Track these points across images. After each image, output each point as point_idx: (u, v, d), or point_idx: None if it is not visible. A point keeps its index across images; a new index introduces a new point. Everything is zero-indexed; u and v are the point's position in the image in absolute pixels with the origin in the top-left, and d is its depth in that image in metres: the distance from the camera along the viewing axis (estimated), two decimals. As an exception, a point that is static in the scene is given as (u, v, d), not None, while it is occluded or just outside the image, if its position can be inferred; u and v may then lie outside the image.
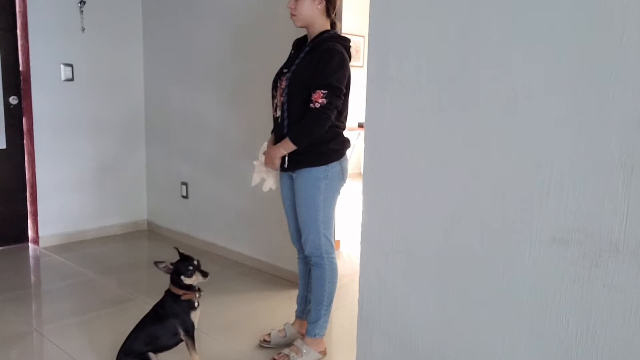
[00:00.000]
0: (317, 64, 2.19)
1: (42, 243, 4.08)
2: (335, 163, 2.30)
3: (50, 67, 3.98)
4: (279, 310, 2.91)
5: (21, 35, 3.89)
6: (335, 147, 2.30)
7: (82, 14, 4.04)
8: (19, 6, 3.85)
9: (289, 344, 2.47)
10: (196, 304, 2.18)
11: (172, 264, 2.20)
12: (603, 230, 0.98)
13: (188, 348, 2.16)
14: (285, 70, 2.33)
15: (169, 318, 2.15)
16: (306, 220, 2.31)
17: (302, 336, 2.46)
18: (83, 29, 4.07)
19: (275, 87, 2.38)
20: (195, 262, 2.19)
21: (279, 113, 2.32)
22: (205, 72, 3.94)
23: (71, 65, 4.06)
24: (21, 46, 3.91)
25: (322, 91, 2.15)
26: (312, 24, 2.28)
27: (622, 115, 0.94)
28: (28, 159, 4.04)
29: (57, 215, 4.14)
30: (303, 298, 2.55)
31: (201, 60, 3.96)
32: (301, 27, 2.30)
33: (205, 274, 2.18)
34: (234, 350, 2.49)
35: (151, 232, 4.60)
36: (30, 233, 4.14)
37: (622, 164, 0.95)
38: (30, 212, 4.10)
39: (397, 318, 1.34)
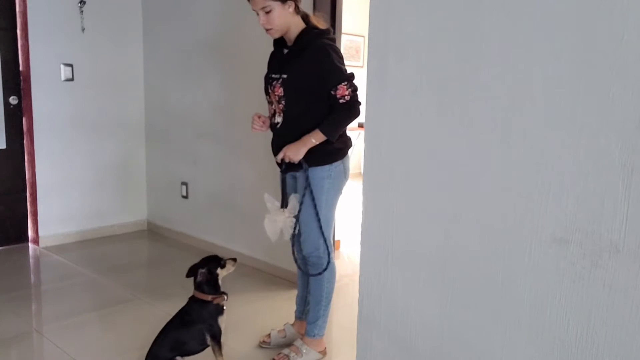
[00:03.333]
0: (322, 65, 2.18)
1: (42, 243, 4.08)
2: (339, 162, 2.30)
3: (50, 67, 3.98)
4: (279, 310, 2.91)
5: (21, 35, 3.89)
6: (339, 147, 2.30)
7: (82, 14, 4.04)
8: (19, 6, 3.85)
9: (288, 344, 2.47)
10: (224, 307, 2.17)
11: (202, 269, 2.16)
12: (603, 230, 0.98)
13: (214, 353, 2.14)
14: (275, 76, 2.29)
15: (196, 324, 2.12)
16: (307, 219, 2.30)
17: (302, 336, 2.46)
18: (83, 29, 4.07)
19: (267, 92, 2.35)
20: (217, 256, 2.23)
21: (278, 119, 2.30)
22: (205, 72, 3.94)
23: (71, 65, 4.06)
24: (21, 46, 3.91)
25: (343, 84, 2.18)
26: (289, 29, 2.25)
27: (622, 115, 0.94)
28: (28, 159, 4.04)
29: (57, 215, 4.14)
30: (302, 299, 2.55)
31: (201, 60, 3.96)
32: (280, 36, 2.29)
33: (234, 259, 2.23)
34: (234, 350, 2.49)
35: (151, 232, 4.60)
36: (30, 233, 4.14)
37: (622, 164, 0.95)
38: (30, 212, 4.10)
39: (397, 318, 1.33)
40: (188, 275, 2.16)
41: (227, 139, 3.74)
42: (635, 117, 0.93)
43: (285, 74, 2.24)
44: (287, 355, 2.38)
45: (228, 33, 3.72)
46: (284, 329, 2.57)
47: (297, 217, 2.26)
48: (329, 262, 2.35)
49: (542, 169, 1.05)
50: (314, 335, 2.41)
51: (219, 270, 2.17)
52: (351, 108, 2.21)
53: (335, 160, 2.29)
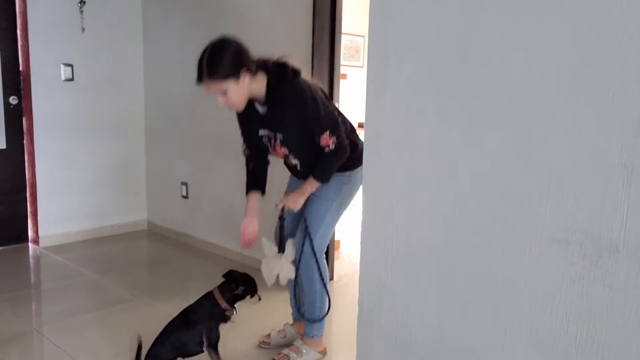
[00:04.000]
0: (305, 117, 2.11)
1: (42, 243, 4.08)
2: (359, 168, 2.29)
3: (50, 67, 3.98)
4: (279, 310, 2.91)
5: (21, 35, 3.89)
6: (357, 155, 2.25)
7: (82, 14, 4.04)
8: (19, 6, 3.85)
9: (288, 344, 2.47)
10: (231, 320, 2.16)
11: (242, 286, 2.17)
12: (603, 230, 0.98)
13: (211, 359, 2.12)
14: (265, 133, 2.23)
15: (198, 324, 2.10)
16: (311, 219, 2.29)
17: (302, 336, 2.46)
18: (83, 29, 4.07)
19: (258, 145, 2.30)
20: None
21: (294, 162, 2.30)
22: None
23: (71, 65, 4.06)
24: (21, 46, 3.91)
25: (325, 134, 2.12)
26: (252, 93, 2.13)
27: (622, 115, 0.94)
28: (28, 159, 4.04)
29: (57, 215, 4.14)
30: (295, 300, 2.56)
31: (201, 60, 3.96)
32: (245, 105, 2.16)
33: (260, 297, 2.26)
34: (234, 350, 2.49)
35: (151, 232, 4.60)
36: (30, 233, 4.14)
37: (622, 164, 0.95)
38: (30, 212, 4.10)
39: (397, 318, 1.33)
40: (225, 275, 2.17)
41: (228, 139, 3.74)
42: (635, 117, 0.93)
43: (279, 132, 2.19)
44: (287, 355, 2.38)
45: (228, 32, 3.71)
46: (283, 329, 2.57)
47: (297, 266, 2.25)
48: (320, 264, 2.33)
49: (542, 169, 1.05)
50: (312, 336, 2.41)
51: (248, 297, 2.17)
52: (337, 153, 2.18)
53: (357, 166, 2.29)
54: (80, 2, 4.01)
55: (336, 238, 3.72)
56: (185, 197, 4.26)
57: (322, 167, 2.21)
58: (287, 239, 2.32)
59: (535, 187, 1.06)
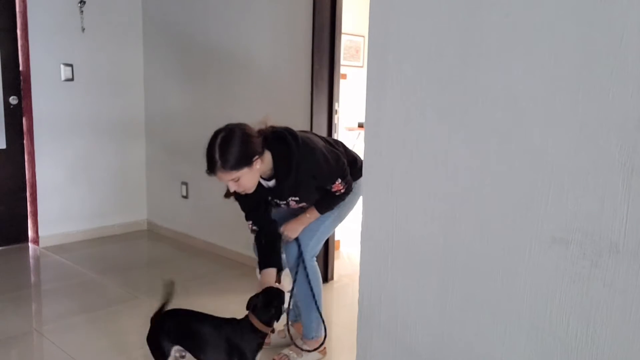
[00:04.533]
0: (318, 173, 2.14)
1: (42, 243, 4.08)
2: (360, 180, 2.35)
3: (50, 67, 3.98)
4: (279, 310, 2.91)
5: (21, 35, 3.89)
6: (359, 166, 2.34)
7: (82, 14, 4.04)
8: (19, 6, 3.85)
9: (288, 344, 2.47)
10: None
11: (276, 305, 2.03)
12: (603, 230, 0.98)
13: None
14: (281, 202, 2.27)
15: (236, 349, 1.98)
16: (306, 231, 2.32)
17: (302, 336, 2.46)
18: (83, 29, 4.07)
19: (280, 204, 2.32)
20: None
21: (300, 205, 2.32)
22: (205, 72, 3.94)
23: (71, 65, 4.06)
24: (21, 46, 3.91)
25: (337, 182, 2.20)
26: (267, 168, 2.12)
27: (622, 115, 0.94)
28: (28, 159, 4.04)
29: (57, 215, 4.14)
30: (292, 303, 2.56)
31: (201, 60, 3.96)
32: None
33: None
34: (234, 350, 2.48)
35: (151, 232, 4.60)
36: (30, 233, 4.14)
37: (622, 164, 0.95)
38: (30, 212, 4.10)
39: (397, 318, 1.34)
40: (255, 302, 2.03)
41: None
42: (635, 117, 0.93)
43: (295, 196, 2.23)
44: (287, 356, 2.38)
45: (228, 33, 3.72)
46: (284, 329, 2.57)
47: (291, 292, 2.25)
48: (311, 266, 2.34)
49: (542, 169, 1.05)
50: (311, 338, 2.41)
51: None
52: (345, 192, 2.28)
53: (357, 178, 2.33)
54: (80, 2, 4.01)
55: (336, 238, 3.73)
56: (185, 197, 4.26)
57: (328, 202, 2.29)
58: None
59: (535, 187, 1.06)
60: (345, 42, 5.83)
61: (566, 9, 1.00)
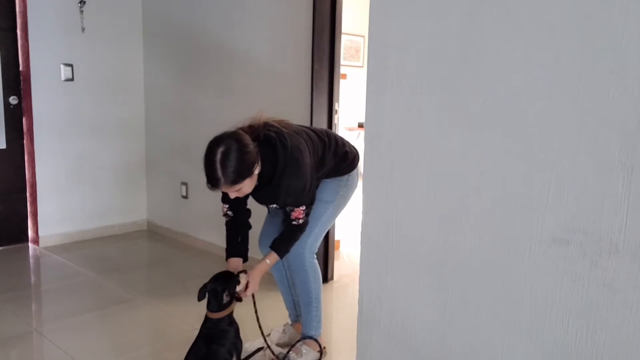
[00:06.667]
0: (290, 191, 2.10)
1: (42, 243, 4.08)
2: (355, 170, 2.40)
3: (50, 67, 3.98)
4: (279, 310, 2.91)
5: (21, 35, 3.89)
6: (351, 158, 2.39)
7: (82, 14, 4.04)
8: (19, 6, 3.85)
9: (288, 344, 2.47)
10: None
11: (226, 288, 2.05)
12: (603, 230, 0.98)
13: None
14: (268, 205, 2.30)
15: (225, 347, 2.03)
16: (309, 220, 2.30)
17: (301, 337, 2.46)
18: (83, 29, 4.07)
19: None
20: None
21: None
22: (205, 72, 3.94)
23: (71, 65, 4.06)
24: (21, 46, 3.91)
25: (301, 208, 2.15)
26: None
27: (622, 115, 0.94)
28: (28, 159, 4.04)
29: (57, 215, 4.14)
30: (291, 303, 2.56)
31: (201, 60, 3.96)
32: None
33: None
34: (234, 350, 2.48)
35: (151, 232, 4.60)
36: (30, 233, 4.14)
37: (622, 164, 0.95)
38: (30, 212, 4.10)
39: (397, 318, 1.34)
40: (203, 293, 2.06)
41: (227, 139, 3.74)
42: (635, 117, 0.93)
43: (273, 204, 2.22)
44: (287, 355, 2.38)
45: (228, 33, 3.72)
46: (283, 329, 2.57)
47: (253, 296, 2.23)
48: (311, 264, 2.35)
49: (542, 169, 1.05)
50: (311, 337, 2.41)
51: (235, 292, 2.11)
52: (301, 230, 2.21)
53: (351, 170, 2.36)
54: (80, 2, 4.01)
55: (336, 238, 3.72)
56: (185, 197, 4.26)
57: (285, 242, 2.22)
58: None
59: (535, 187, 1.06)
60: (345, 42, 5.83)
61: (566, 8, 1.00)
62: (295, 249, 2.29)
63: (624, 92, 0.94)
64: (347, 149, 2.38)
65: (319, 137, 2.30)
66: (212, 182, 1.98)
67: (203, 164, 1.98)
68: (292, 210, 2.15)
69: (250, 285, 2.18)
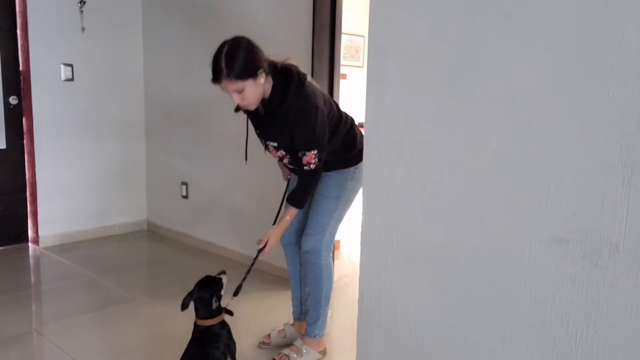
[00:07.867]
0: (298, 130, 2.08)
1: (42, 243, 4.08)
2: (361, 164, 2.33)
3: (50, 67, 3.98)
4: (279, 310, 2.91)
5: (21, 35, 3.89)
6: (359, 148, 2.30)
7: (82, 14, 4.04)
8: (19, 6, 3.85)
9: (288, 344, 2.47)
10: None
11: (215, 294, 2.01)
12: (603, 230, 0.98)
13: None
14: (262, 140, 2.26)
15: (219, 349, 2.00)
16: (318, 217, 2.30)
17: (302, 336, 2.46)
18: (83, 29, 4.07)
19: (266, 147, 2.30)
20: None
21: (293, 166, 2.29)
22: (205, 71, 3.93)
23: (71, 65, 4.06)
24: (21, 46, 3.91)
25: (312, 152, 2.11)
26: (265, 94, 2.11)
27: (622, 115, 0.94)
28: (28, 159, 4.04)
29: (57, 215, 4.14)
30: (298, 299, 2.55)
31: (201, 60, 3.96)
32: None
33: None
34: (234, 350, 2.48)
35: (151, 232, 4.60)
36: (30, 233, 4.14)
37: (622, 164, 0.95)
38: (30, 212, 4.10)
39: (397, 318, 1.33)
40: (188, 302, 2.01)
41: (227, 139, 3.74)
42: (635, 117, 0.93)
43: (273, 141, 2.19)
44: (287, 356, 2.38)
45: (228, 33, 3.71)
46: (284, 329, 2.57)
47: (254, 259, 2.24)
48: (327, 261, 2.34)
49: (542, 169, 1.05)
50: (314, 336, 2.41)
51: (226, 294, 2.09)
52: (315, 175, 2.17)
53: (357, 162, 2.31)
54: (80, 2, 4.01)
55: (336, 238, 3.72)
56: (185, 197, 4.26)
57: (299, 192, 2.20)
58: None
59: (535, 187, 1.06)
60: (345, 42, 5.82)
61: (566, 8, 1.00)
62: (313, 244, 2.29)
63: (624, 92, 0.94)
64: (359, 138, 2.35)
65: (339, 110, 2.29)
66: (215, 73, 1.98)
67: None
68: (304, 155, 2.11)
69: (270, 240, 2.18)
